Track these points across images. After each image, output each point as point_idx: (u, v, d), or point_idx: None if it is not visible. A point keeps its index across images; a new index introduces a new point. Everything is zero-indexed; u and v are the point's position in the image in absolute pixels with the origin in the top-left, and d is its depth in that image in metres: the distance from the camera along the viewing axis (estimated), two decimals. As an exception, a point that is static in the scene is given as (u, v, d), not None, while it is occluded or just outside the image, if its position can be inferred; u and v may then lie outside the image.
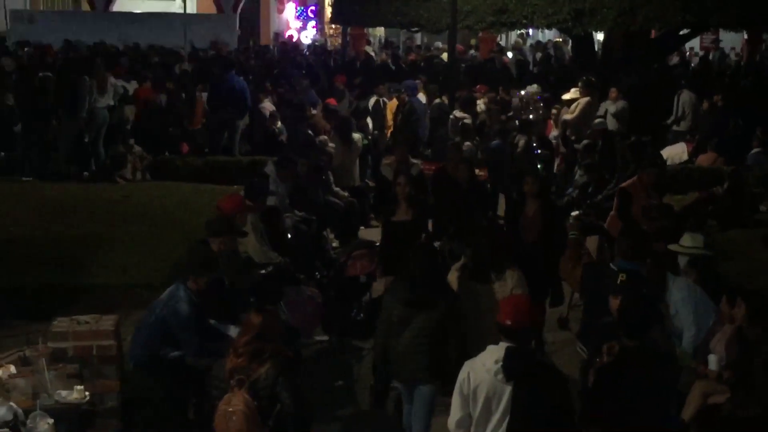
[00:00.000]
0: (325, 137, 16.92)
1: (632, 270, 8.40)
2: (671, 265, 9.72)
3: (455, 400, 6.05)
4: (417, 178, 12.45)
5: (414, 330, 7.37)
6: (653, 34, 22.96)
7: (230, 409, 6.51)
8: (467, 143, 15.78)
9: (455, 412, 6.06)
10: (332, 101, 19.37)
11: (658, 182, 12.28)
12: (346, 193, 14.96)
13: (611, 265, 8.87)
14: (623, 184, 12.38)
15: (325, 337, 10.93)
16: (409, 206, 10.64)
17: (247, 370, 6.63)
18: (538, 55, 30.01)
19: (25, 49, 26.65)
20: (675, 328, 8.84)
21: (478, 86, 21.15)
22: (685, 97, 19.45)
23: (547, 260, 10.38)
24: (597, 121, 16.99)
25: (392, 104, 19.53)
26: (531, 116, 19.03)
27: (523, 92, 21.32)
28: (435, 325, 7.31)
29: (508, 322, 5.94)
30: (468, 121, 17.63)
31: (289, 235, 11.97)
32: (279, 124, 18.42)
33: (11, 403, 6.12)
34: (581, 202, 14.30)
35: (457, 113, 18.12)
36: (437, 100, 19.45)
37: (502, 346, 5.93)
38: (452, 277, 8.56)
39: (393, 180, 11.55)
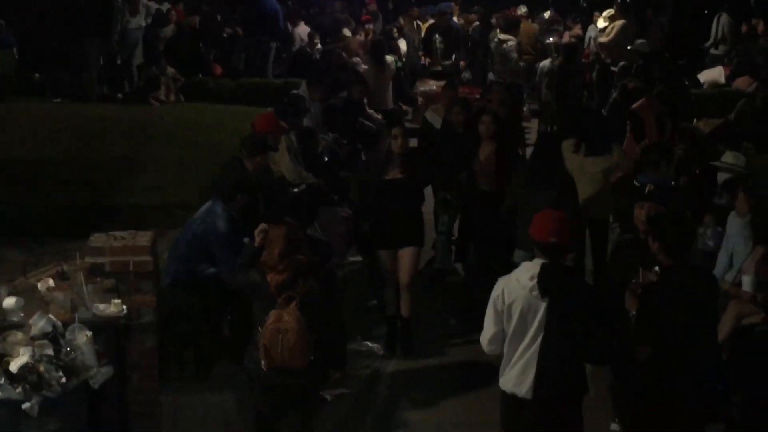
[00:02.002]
0: (358, 59, 16.82)
1: (661, 183, 8.36)
2: (708, 184, 9.69)
3: (488, 317, 6.06)
4: (463, 103, 11.66)
5: None
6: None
7: (282, 327, 6.46)
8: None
9: (488, 328, 6.07)
10: (367, 18, 19.23)
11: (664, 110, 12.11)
12: (379, 116, 14.90)
13: (634, 181, 8.82)
14: (633, 106, 12.25)
15: (359, 258, 10.97)
16: (403, 163, 9.42)
17: (294, 286, 6.56)
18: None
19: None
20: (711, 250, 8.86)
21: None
22: (724, 20, 19.14)
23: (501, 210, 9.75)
24: (639, 42, 16.78)
25: (426, 25, 19.37)
26: (551, 39, 18.89)
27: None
28: None
29: (550, 239, 5.92)
30: (512, 43, 17.45)
31: (324, 156, 11.95)
32: (318, 46, 18.33)
33: (50, 316, 6.18)
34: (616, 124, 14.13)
35: (501, 36, 17.92)
36: (477, 23, 19.27)
37: (537, 262, 5.92)
38: (566, 151, 9.81)
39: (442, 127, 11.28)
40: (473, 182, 10.27)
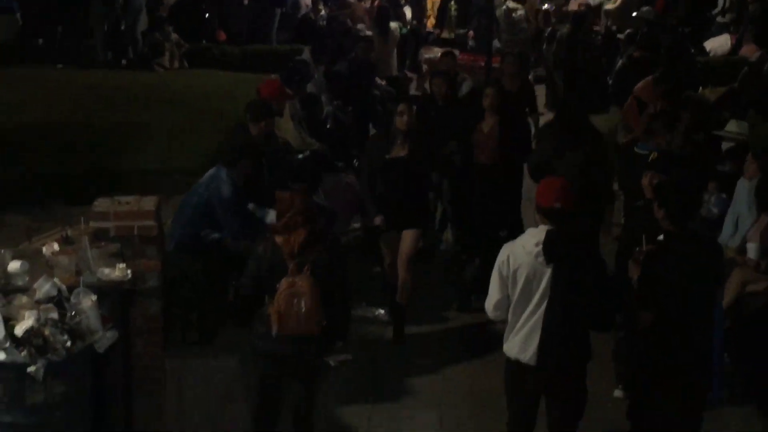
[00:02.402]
0: (363, 25, 16.76)
1: (664, 150, 8.33)
2: (712, 152, 9.67)
3: (494, 282, 6.06)
4: (445, 75, 11.22)
5: None
6: None
7: (298, 291, 6.43)
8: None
9: (493, 295, 6.07)
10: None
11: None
12: (383, 82, 14.85)
13: (635, 148, 8.78)
14: (636, 87, 12.15)
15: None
16: (407, 139, 9.05)
17: (306, 253, 6.52)
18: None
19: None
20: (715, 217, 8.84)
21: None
22: (732, -13, 19.06)
23: (505, 185, 10.02)
24: (645, 9, 16.69)
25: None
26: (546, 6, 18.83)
27: None
28: None
29: (554, 205, 5.91)
30: (521, 12, 17.39)
31: (328, 123, 11.93)
32: (322, 12, 18.25)
33: (55, 280, 6.17)
34: (618, 93, 14.08)
35: (510, 3, 17.83)
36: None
37: (543, 228, 5.92)
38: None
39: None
40: (470, 155, 10.11)
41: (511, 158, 10.12)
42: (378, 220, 9.13)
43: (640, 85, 12.03)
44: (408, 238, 9.13)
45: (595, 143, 9.19)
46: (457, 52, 18.14)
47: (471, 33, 18.83)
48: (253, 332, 6.72)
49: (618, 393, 7.93)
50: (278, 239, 6.57)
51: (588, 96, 10.91)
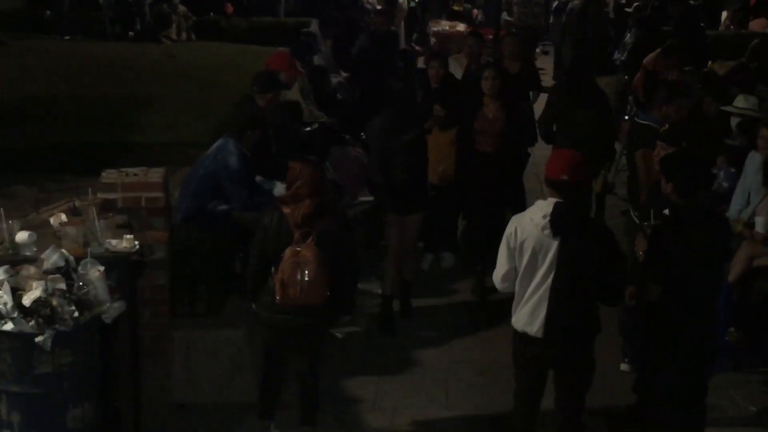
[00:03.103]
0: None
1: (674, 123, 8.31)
2: (722, 129, 9.64)
3: (501, 254, 6.05)
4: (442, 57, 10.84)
5: None
6: None
7: (302, 260, 6.44)
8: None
9: (501, 266, 6.06)
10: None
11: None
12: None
13: (636, 119, 8.81)
14: (645, 60, 12.10)
15: (370, 198, 10.94)
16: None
17: (312, 223, 6.53)
18: None
19: None
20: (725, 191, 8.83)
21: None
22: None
23: (510, 175, 9.53)
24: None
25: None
26: None
27: None
28: None
29: (561, 177, 5.89)
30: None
31: (336, 96, 11.90)
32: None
33: (63, 251, 6.17)
34: (630, 64, 14.02)
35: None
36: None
37: (551, 201, 5.90)
38: None
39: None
40: (471, 143, 9.41)
41: (518, 145, 9.77)
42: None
43: (650, 56, 11.99)
44: (414, 224, 8.99)
45: (601, 102, 9.80)
46: (463, 26, 18.16)
47: (475, 11, 18.75)
48: (258, 302, 6.74)
49: (624, 366, 7.95)
50: (285, 209, 6.58)
51: (594, 62, 10.94)
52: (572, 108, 9.53)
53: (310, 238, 6.47)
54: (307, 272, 6.43)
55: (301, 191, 6.58)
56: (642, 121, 8.55)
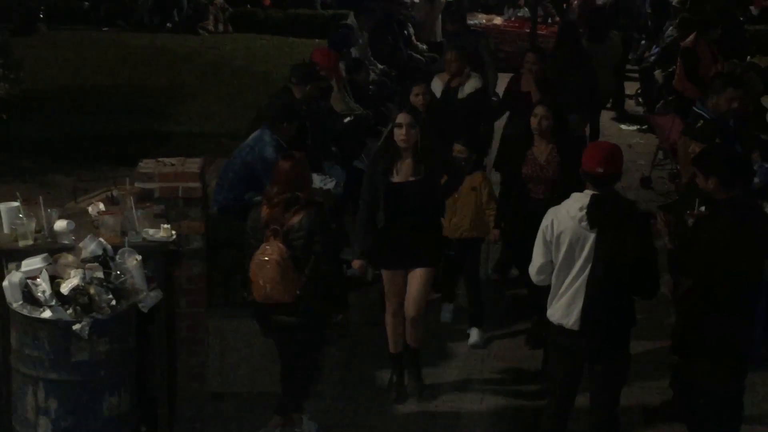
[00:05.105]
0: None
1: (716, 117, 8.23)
2: (759, 124, 9.55)
3: (537, 247, 6.03)
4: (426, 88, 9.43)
5: None
6: None
7: (264, 258, 6.47)
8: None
9: (537, 259, 6.04)
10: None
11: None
12: (424, 46, 14.79)
13: (694, 108, 8.67)
14: (685, 42, 12.00)
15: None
16: (419, 161, 7.20)
17: (281, 220, 6.54)
18: None
19: None
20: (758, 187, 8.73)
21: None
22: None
23: None
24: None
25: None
26: None
27: None
28: None
29: (597, 169, 5.86)
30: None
31: (371, 87, 11.90)
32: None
33: (100, 239, 6.23)
34: (666, 59, 13.91)
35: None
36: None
37: (587, 193, 5.87)
38: None
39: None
40: (523, 189, 7.91)
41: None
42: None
43: (688, 40, 11.89)
44: (417, 280, 7.34)
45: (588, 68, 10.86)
46: (500, 19, 18.08)
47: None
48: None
49: (669, 360, 7.82)
50: (264, 207, 6.63)
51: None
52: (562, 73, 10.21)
53: (276, 235, 6.49)
54: (268, 270, 6.45)
55: (273, 189, 6.63)
56: (699, 111, 8.45)
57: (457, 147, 8.34)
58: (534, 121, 7.79)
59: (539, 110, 7.82)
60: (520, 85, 10.16)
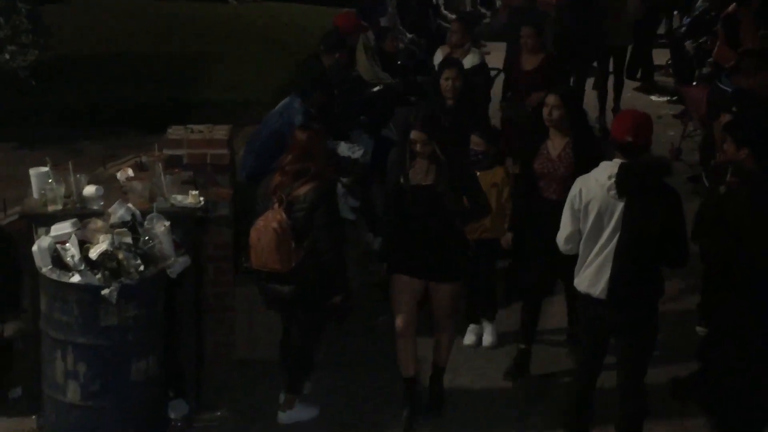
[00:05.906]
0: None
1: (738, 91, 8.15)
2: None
3: (566, 216, 6.01)
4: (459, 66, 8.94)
5: None
6: None
7: (263, 226, 6.47)
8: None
9: (565, 227, 6.02)
10: None
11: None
12: (453, 16, 14.70)
13: (718, 83, 8.56)
14: (727, 10, 11.84)
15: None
16: (432, 163, 6.56)
17: (289, 189, 6.53)
18: None
19: None
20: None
21: None
22: None
23: None
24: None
25: None
26: None
27: None
28: None
29: (626, 138, 5.82)
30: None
31: (401, 55, 11.84)
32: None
33: (129, 205, 6.25)
34: (697, 30, 13.73)
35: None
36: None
37: (616, 162, 5.83)
38: None
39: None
40: (535, 189, 7.27)
41: None
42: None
43: (731, 8, 11.72)
44: (443, 295, 6.79)
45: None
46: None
47: None
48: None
49: (700, 330, 7.80)
50: (277, 175, 6.63)
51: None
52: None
53: (280, 203, 6.49)
54: (265, 237, 6.45)
55: (287, 157, 6.61)
56: (724, 87, 8.35)
57: (474, 139, 7.77)
58: (545, 112, 7.11)
59: (550, 99, 7.11)
60: (519, 62, 9.98)
